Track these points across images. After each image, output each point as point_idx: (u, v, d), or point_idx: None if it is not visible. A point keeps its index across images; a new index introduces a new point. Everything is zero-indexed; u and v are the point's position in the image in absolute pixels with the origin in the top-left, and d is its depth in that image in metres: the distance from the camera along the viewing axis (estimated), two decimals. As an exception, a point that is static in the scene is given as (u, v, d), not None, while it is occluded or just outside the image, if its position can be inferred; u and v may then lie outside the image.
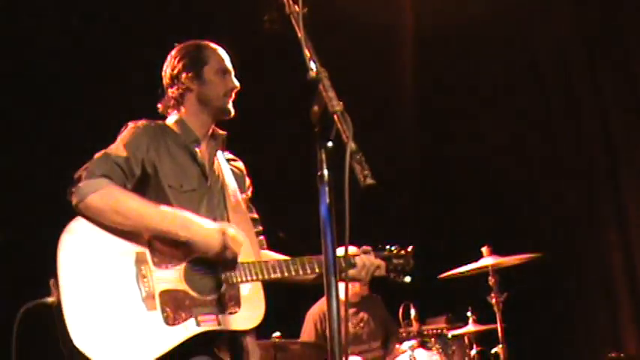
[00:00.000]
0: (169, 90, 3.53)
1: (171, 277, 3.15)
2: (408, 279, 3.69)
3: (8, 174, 5.71)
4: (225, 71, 3.50)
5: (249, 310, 3.21)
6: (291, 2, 2.38)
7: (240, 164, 3.72)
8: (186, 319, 3.09)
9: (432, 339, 5.25)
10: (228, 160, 3.64)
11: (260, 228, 3.66)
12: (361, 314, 6.29)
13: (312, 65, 2.22)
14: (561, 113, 7.26)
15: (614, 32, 6.86)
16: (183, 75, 3.47)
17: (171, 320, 3.07)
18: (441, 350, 5.18)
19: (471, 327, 5.96)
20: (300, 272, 3.35)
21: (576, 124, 7.25)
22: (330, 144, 2.16)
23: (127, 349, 2.98)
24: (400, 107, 7.58)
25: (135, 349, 3.00)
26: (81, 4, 6.02)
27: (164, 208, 3.18)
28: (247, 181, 3.70)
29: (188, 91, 3.48)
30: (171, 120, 3.50)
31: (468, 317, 6.02)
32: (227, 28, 5.82)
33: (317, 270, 3.35)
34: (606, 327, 7.32)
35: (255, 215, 3.67)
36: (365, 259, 3.54)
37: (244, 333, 3.27)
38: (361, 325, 6.27)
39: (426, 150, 7.65)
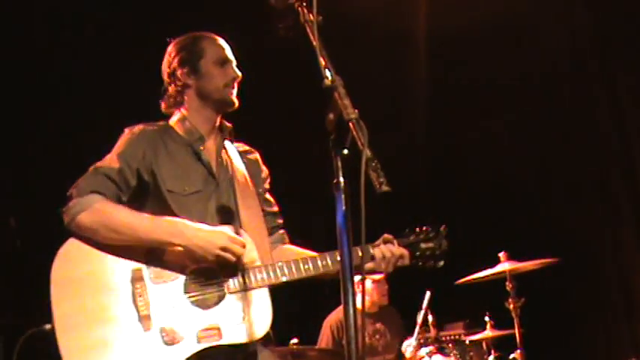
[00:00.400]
0: (169, 88, 3.35)
1: (170, 292, 2.99)
2: (441, 263, 3.30)
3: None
4: (224, 61, 3.30)
5: (255, 319, 2.99)
6: (305, 11, 2.39)
7: (255, 156, 3.49)
8: (185, 337, 2.93)
9: (450, 345, 5.25)
10: (242, 153, 3.43)
11: (280, 221, 3.45)
12: (378, 325, 6.28)
13: (328, 73, 2.23)
14: (576, 117, 7.23)
15: (629, 33, 6.81)
16: (179, 71, 3.29)
17: (169, 339, 2.92)
18: (458, 356, 5.18)
19: (488, 332, 5.96)
20: (312, 272, 3.09)
21: (592, 128, 7.22)
22: (345, 151, 2.18)
23: None
24: (413, 112, 7.56)
25: None
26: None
27: (158, 217, 3.02)
28: (264, 172, 3.48)
29: (187, 87, 3.30)
30: (174, 119, 3.33)
31: (485, 323, 6.02)
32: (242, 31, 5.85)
33: (331, 266, 3.10)
34: (625, 332, 7.28)
35: (275, 208, 3.45)
36: (384, 250, 3.18)
37: (255, 343, 3.03)
38: (377, 336, 6.26)
39: (440, 156, 7.64)
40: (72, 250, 3.02)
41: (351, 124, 2.10)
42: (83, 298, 2.93)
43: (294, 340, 5.36)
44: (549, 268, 5.81)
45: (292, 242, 3.44)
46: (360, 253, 2.86)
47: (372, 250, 3.18)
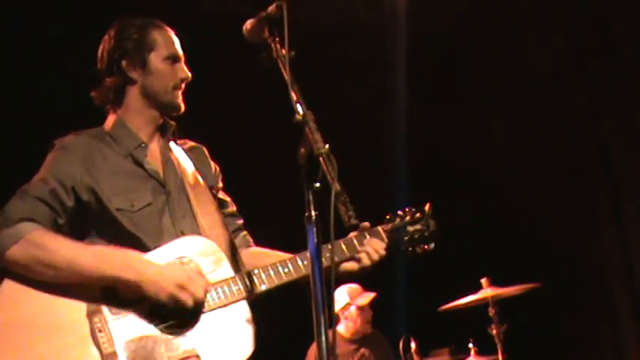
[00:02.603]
0: (107, 79, 2.92)
1: (135, 321, 2.61)
2: (432, 245, 3.06)
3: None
4: (175, 58, 2.92)
5: (236, 337, 2.68)
6: (278, 46, 2.43)
7: (202, 151, 3.14)
8: None
9: (434, 371, 5.25)
10: (187, 151, 3.06)
11: (240, 222, 3.15)
12: (362, 350, 6.28)
13: (299, 108, 2.26)
14: (559, 142, 7.26)
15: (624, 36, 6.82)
16: (124, 62, 2.87)
17: None
18: (443, 383, 5.17)
19: (472, 359, 5.96)
20: (294, 275, 2.81)
21: (576, 153, 7.25)
22: (317, 185, 2.21)
23: None
24: (392, 122, 7.55)
25: None
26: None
27: (103, 248, 2.65)
28: (214, 168, 3.14)
29: (129, 83, 2.88)
30: (109, 123, 2.92)
31: (469, 349, 6.03)
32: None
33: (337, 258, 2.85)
34: (611, 356, 7.29)
35: (233, 208, 3.14)
36: (368, 249, 2.93)
37: None
38: (363, 362, 6.26)
39: (422, 180, 7.62)
40: (10, 289, 2.59)
41: (321, 158, 2.14)
42: (32, 346, 2.50)
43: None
44: (532, 292, 5.83)
45: (256, 244, 3.17)
46: (344, 249, 2.85)
47: (344, 247, 2.94)
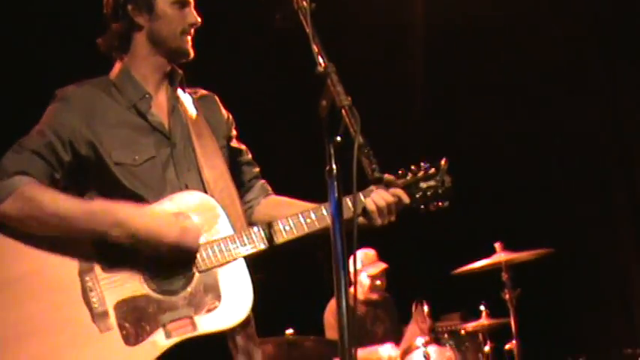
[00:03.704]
0: (112, 24, 2.78)
1: (127, 280, 2.52)
2: (446, 203, 2.86)
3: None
4: (183, 2, 2.77)
5: (233, 301, 2.54)
6: None
7: (213, 99, 2.97)
8: (152, 333, 2.47)
9: (446, 335, 5.24)
10: (197, 100, 2.91)
11: (256, 170, 3.00)
12: (378, 311, 6.27)
13: (320, 60, 2.22)
14: (574, 109, 7.21)
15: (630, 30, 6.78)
16: (130, 6, 2.73)
17: (133, 338, 2.46)
18: (454, 346, 5.17)
19: (483, 321, 5.95)
20: (317, 225, 2.66)
21: (590, 120, 7.20)
22: (338, 138, 2.16)
23: None
24: (410, 104, 7.55)
25: None
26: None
27: (95, 202, 2.56)
28: (226, 116, 2.96)
29: (135, 28, 2.75)
30: (115, 71, 2.80)
31: (480, 312, 6.02)
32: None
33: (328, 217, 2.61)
34: (620, 322, 7.29)
35: (249, 156, 2.98)
36: (376, 198, 2.73)
37: (237, 329, 2.59)
38: (377, 323, 6.25)
39: (436, 146, 7.61)
40: (0, 247, 2.54)
41: (343, 110, 2.08)
42: (21, 305, 2.45)
43: (290, 331, 5.35)
44: (545, 258, 5.81)
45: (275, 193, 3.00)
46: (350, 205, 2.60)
47: (363, 200, 2.74)
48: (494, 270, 5.69)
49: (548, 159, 7.37)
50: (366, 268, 6.18)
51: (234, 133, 2.98)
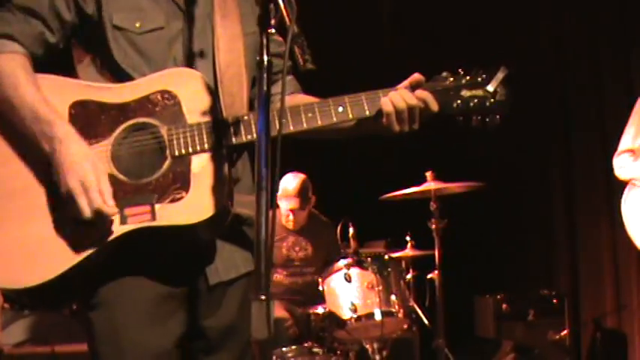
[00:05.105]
0: None
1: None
2: (495, 119, 2.37)
3: None
4: None
5: (198, 195, 2.23)
6: None
7: None
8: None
9: (369, 259, 5.21)
10: None
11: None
12: (300, 238, 6.16)
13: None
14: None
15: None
16: None
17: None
18: (376, 271, 5.13)
19: (408, 251, 5.97)
20: (319, 122, 2.31)
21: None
22: (273, 30, 2.03)
23: (12, 266, 2.21)
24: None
25: (25, 266, 2.21)
26: None
27: (44, 106, 2.23)
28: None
29: None
30: None
31: (406, 242, 6.02)
32: None
33: (350, 114, 2.32)
34: (540, 264, 7.43)
35: (280, 49, 2.40)
36: (395, 98, 2.32)
37: (205, 226, 2.24)
38: (297, 248, 6.14)
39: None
40: None
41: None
42: None
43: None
44: (476, 192, 5.81)
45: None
46: (365, 107, 2.32)
47: (381, 98, 2.35)
48: (423, 199, 5.67)
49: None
50: (279, 199, 5.97)
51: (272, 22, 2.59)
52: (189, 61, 2.38)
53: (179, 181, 2.23)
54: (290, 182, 5.94)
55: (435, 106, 2.35)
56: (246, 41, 2.46)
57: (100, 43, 2.35)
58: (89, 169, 2.18)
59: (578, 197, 6.96)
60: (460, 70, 2.43)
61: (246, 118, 2.30)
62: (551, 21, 7.15)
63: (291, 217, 5.99)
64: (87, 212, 2.16)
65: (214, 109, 2.30)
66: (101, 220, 2.18)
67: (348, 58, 6.77)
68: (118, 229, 2.20)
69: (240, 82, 2.43)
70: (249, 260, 2.35)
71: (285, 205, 5.94)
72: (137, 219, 2.20)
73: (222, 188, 2.24)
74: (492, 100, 2.37)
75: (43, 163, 2.24)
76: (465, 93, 2.38)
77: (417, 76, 2.39)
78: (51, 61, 2.41)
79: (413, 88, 2.37)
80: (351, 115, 2.34)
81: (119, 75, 2.35)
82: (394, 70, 2.39)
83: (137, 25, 2.33)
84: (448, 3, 6.99)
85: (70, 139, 2.21)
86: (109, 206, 2.17)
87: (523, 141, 7.09)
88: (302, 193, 5.96)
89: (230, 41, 2.43)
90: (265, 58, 1.99)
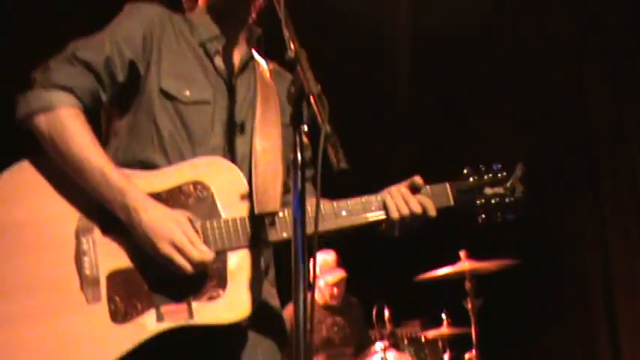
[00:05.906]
0: None
1: (127, 250, 2.22)
2: (513, 216, 2.46)
3: None
4: None
5: (236, 293, 2.21)
6: None
7: (287, 77, 2.42)
8: (142, 312, 2.17)
9: (405, 341, 5.18)
10: (274, 72, 2.61)
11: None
12: (337, 318, 6.16)
13: (291, 45, 2.13)
14: (543, 120, 7.17)
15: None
16: None
17: (121, 315, 2.17)
18: (413, 353, 5.10)
19: (444, 329, 5.92)
20: (350, 221, 2.33)
21: (560, 132, 7.17)
22: (305, 127, 2.07)
23: None
24: (393, 111, 7.45)
25: None
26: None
27: (112, 171, 2.22)
28: None
29: None
30: (189, 11, 2.56)
31: (442, 320, 5.98)
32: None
33: (379, 215, 2.35)
34: (581, 340, 7.28)
35: (308, 153, 2.49)
36: (399, 204, 2.37)
37: (242, 324, 2.25)
38: (335, 329, 6.14)
39: (414, 156, 7.55)
40: (12, 182, 2.28)
41: (312, 97, 1.98)
42: (10, 258, 2.22)
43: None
44: (510, 269, 5.77)
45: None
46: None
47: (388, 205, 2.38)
48: (457, 278, 5.65)
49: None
50: (324, 274, 6.04)
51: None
52: (229, 136, 2.38)
53: (215, 278, 2.22)
54: (325, 256, 6.03)
55: (432, 212, 2.40)
56: (282, 131, 2.48)
57: (145, 104, 2.36)
58: (173, 227, 2.18)
59: (616, 274, 6.86)
60: (481, 166, 2.51)
61: (281, 215, 2.31)
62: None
63: (335, 290, 6.04)
64: (189, 269, 2.17)
65: (249, 203, 2.29)
66: (203, 266, 2.19)
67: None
68: (154, 327, 2.17)
69: (276, 171, 2.42)
70: (273, 348, 2.41)
71: (332, 278, 6.00)
72: (174, 317, 2.17)
73: (259, 285, 2.25)
74: (511, 197, 2.47)
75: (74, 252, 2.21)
76: (487, 191, 2.47)
77: (417, 180, 2.43)
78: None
79: (412, 191, 2.42)
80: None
81: (152, 149, 2.34)
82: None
83: (187, 93, 2.36)
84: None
85: (142, 207, 2.19)
86: (203, 252, 2.19)
87: (558, 218, 7.05)
88: (340, 263, 6.05)
89: (268, 126, 2.46)
90: (299, 156, 2.01)
